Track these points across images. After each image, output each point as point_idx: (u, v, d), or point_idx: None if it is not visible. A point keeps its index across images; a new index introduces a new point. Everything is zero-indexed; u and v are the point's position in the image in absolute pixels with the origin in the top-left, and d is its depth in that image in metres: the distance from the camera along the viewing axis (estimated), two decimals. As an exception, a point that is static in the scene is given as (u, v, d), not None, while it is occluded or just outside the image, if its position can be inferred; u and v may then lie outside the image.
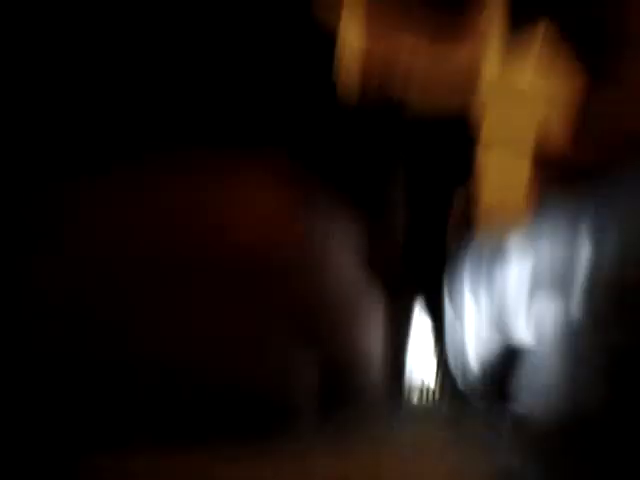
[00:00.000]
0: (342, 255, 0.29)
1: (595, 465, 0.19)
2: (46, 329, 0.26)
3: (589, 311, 0.22)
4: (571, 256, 0.22)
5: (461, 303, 0.29)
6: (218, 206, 0.28)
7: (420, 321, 0.32)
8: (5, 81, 0.33)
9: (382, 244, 0.32)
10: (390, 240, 0.32)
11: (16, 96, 0.32)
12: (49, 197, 0.27)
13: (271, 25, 0.40)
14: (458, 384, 0.30)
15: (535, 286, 0.25)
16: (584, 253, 0.21)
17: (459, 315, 0.29)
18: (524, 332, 0.26)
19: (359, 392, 0.29)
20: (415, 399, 0.32)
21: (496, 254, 0.27)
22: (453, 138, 0.39)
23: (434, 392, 0.31)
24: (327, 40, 0.39)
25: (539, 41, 0.41)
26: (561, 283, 0.23)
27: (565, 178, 0.24)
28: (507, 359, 0.29)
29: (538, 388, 0.25)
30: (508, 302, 0.25)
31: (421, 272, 0.33)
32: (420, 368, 0.33)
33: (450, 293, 0.30)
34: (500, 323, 0.27)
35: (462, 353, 0.29)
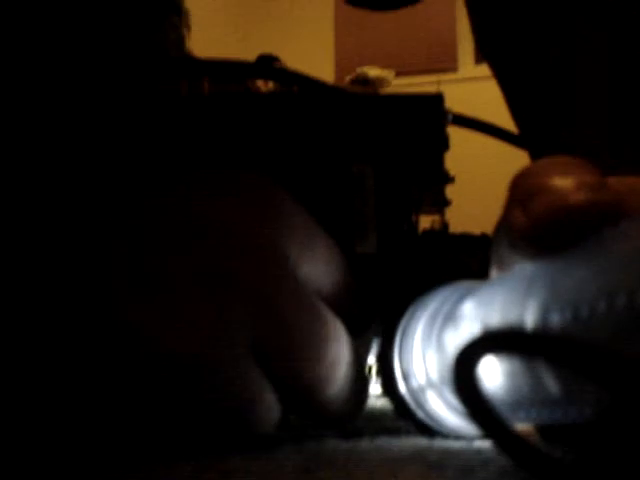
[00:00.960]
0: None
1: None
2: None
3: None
4: (520, 321, 0.21)
5: (409, 357, 0.29)
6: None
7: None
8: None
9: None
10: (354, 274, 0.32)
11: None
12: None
13: None
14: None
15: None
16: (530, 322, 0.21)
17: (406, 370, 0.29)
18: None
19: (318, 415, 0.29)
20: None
21: (450, 313, 0.27)
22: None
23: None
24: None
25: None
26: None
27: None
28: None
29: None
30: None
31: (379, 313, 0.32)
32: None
33: (400, 344, 0.30)
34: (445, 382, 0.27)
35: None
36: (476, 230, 0.43)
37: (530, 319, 0.20)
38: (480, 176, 2.89)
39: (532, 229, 0.22)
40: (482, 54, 0.53)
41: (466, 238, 0.44)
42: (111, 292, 0.25)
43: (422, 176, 0.39)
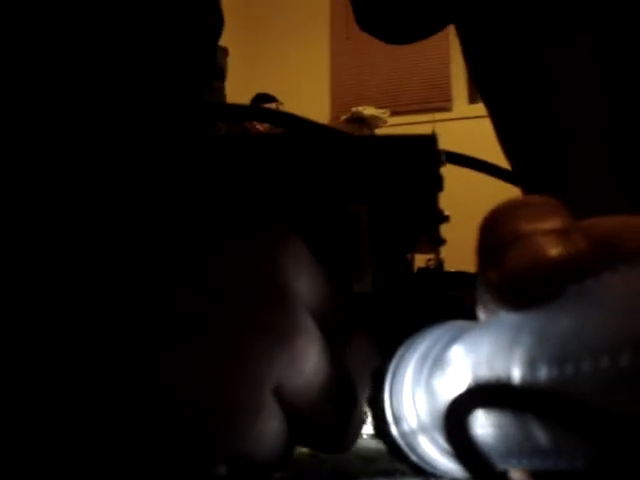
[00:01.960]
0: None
1: None
2: None
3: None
4: (507, 372, 0.21)
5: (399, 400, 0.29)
6: None
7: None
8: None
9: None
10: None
11: None
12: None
13: None
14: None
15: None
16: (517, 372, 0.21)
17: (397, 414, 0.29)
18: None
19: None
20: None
21: (439, 357, 0.27)
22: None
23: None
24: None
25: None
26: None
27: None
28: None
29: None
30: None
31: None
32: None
33: (391, 386, 0.30)
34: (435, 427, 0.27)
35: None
36: (471, 268, 0.43)
37: (517, 371, 0.20)
38: (475, 214, 2.90)
39: (507, 287, 0.22)
40: (479, 94, 0.53)
41: (461, 276, 0.44)
42: (140, 340, 0.26)
43: (417, 216, 0.39)
